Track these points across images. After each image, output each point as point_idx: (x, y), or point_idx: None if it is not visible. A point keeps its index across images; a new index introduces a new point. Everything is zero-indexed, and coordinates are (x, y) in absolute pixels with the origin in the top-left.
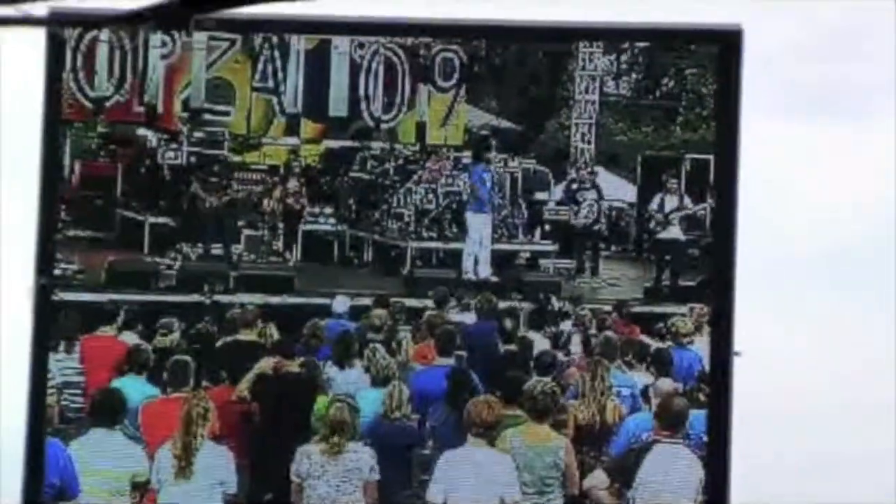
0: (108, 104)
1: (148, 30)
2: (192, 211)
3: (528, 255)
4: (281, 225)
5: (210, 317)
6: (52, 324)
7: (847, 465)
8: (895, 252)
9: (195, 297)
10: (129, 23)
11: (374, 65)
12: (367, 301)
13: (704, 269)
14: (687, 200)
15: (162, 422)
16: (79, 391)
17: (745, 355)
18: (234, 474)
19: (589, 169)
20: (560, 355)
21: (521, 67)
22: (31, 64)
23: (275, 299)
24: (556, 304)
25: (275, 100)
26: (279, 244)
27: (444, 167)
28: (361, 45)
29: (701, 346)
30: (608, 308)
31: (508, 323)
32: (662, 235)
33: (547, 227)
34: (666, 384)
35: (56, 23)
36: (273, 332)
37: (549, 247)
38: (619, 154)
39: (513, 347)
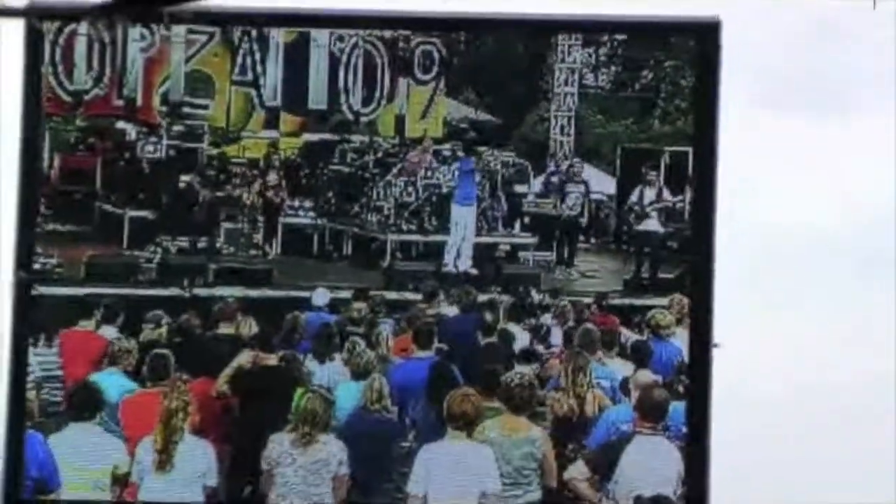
0: (87, 98)
1: (125, 22)
2: (178, 204)
3: (507, 247)
4: (260, 218)
5: (191, 310)
6: (32, 318)
7: (828, 455)
8: (876, 242)
9: (175, 291)
10: (106, 15)
11: (353, 58)
12: (346, 294)
13: (684, 261)
14: (666, 193)
15: (142, 415)
16: (59, 385)
17: (723, 347)
18: (214, 467)
19: (569, 162)
20: (541, 348)
21: (500, 60)
22: (9, 58)
23: (254, 292)
24: (535, 296)
25: (254, 93)
26: (259, 237)
27: (423, 160)
28: (341, 39)
29: (681, 337)
30: (588, 300)
31: (489, 316)
32: (641, 228)
33: (526, 220)
34: (645, 376)
35: (34, 15)
36: (252, 325)
37: (529, 239)
38: (598, 146)
39: (493, 340)
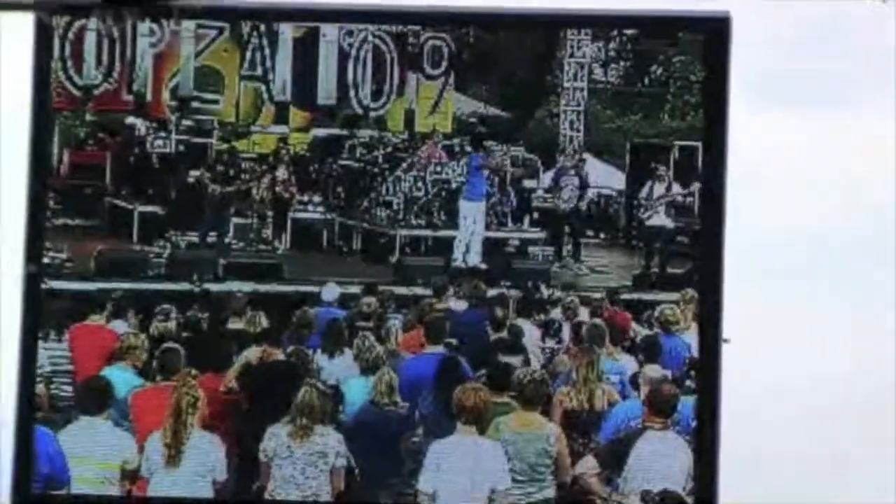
0: (96, 93)
1: (133, 16)
2: (186, 199)
3: (517, 242)
4: (270, 213)
5: (199, 305)
6: (42, 312)
7: (837, 452)
8: (882, 240)
9: (184, 286)
10: (114, 9)
11: (362, 53)
12: (356, 289)
13: (693, 256)
14: (676, 187)
15: (152, 410)
16: (68, 380)
17: (733, 342)
18: (223, 462)
19: (578, 157)
20: (550, 342)
21: (509, 55)
22: (19, 53)
23: (264, 287)
24: (545, 291)
25: (263, 88)
26: (268, 232)
27: (433, 154)
28: (350, 33)
29: (691, 332)
30: (597, 295)
31: (499, 311)
32: (650, 223)
33: (536, 215)
34: (654, 371)
35: (42, 9)
36: (262, 320)
37: (538, 234)
38: (607, 141)
39: (503, 335)
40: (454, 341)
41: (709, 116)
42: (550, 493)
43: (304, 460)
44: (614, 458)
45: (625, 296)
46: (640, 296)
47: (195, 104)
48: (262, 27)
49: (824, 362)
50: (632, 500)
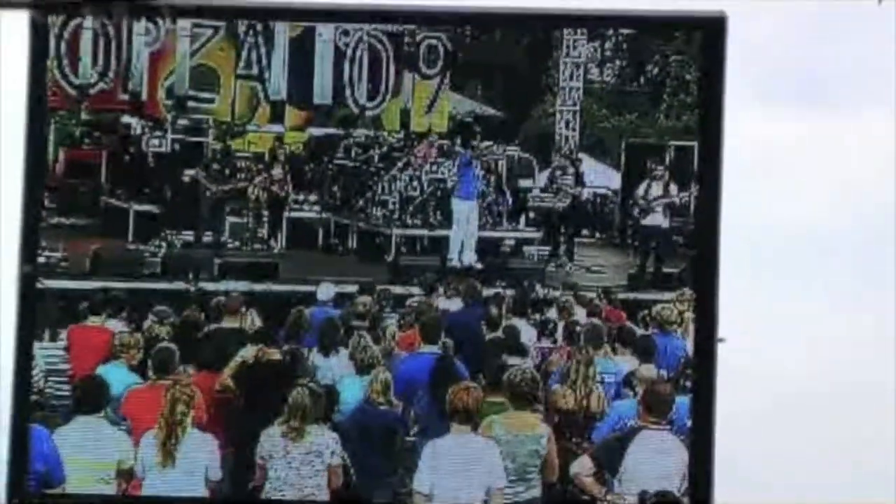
0: (92, 91)
1: (122, 13)
2: (181, 198)
3: (512, 242)
4: (265, 212)
5: (195, 304)
6: (37, 312)
7: (832, 450)
8: (881, 238)
9: (180, 285)
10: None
11: (358, 52)
12: (351, 288)
13: (689, 256)
14: (672, 187)
15: (147, 409)
16: (64, 379)
17: (728, 342)
18: (217, 461)
19: (561, 154)
20: (546, 342)
21: (505, 55)
22: (14, 52)
23: (259, 286)
24: (540, 291)
25: (259, 87)
26: (264, 231)
27: (429, 154)
28: (346, 33)
29: (689, 332)
30: (592, 295)
31: (493, 310)
32: (646, 222)
33: (531, 215)
34: (650, 371)
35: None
36: (256, 319)
37: (534, 234)
38: (603, 141)
39: (497, 335)
40: (449, 341)
41: (704, 116)
42: (537, 492)
43: (299, 460)
44: (609, 458)
45: (620, 295)
46: (635, 295)
47: (191, 103)
48: (258, 26)
49: (820, 361)
50: (627, 501)
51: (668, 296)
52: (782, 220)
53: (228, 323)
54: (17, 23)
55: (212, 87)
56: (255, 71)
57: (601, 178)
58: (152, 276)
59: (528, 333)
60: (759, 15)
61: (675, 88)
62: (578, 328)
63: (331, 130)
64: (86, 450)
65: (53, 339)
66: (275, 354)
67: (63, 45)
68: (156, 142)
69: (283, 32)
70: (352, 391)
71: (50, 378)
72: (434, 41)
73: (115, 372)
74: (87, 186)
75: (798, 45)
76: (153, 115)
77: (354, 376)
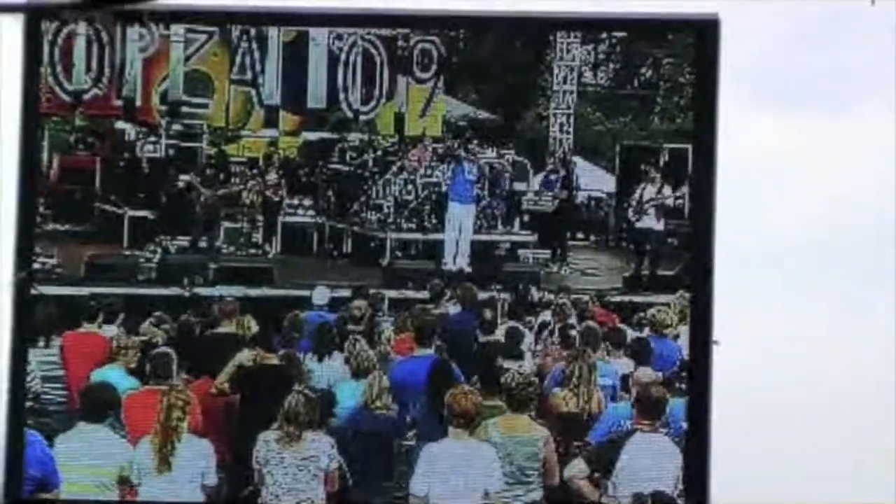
0: (86, 97)
1: (109, 18)
2: (176, 203)
3: (507, 245)
4: (260, 217)
5: (191, 309)
6: (32, 318)
7: (826, 452)
8: (874, 241)
9: (175, 290)
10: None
11: (352, 56)
12: (346, 292)
13: (683, 258)
14: (666, 190)
15: (144, 413)
16: (59, 385)
17: (723, 344)
18: (213, 466)
19: (554, 158)
20: (542, 345)
21: (499, 58)
22: (8, 57)
23: (254, 291)
24: (535, 294)
25: (253, 92)
26: (258, 236)
27: (423, 158)
28: (340, 37)
29: (682, 334)
30: (586, 298)
31: (488, 313)
32: (640, 225)
33: (526, 218)
34: (645, 373)
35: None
36: (252, 324)
37: (528, 237)
38: (597, 144)
39: (493, 338)
40: (443, 344)
41: (698, 118)
42: (537, 495)
43: (296, 465)
44: (604, 460)
45: (615, 298)
46: (630, 298)
47: (185, 108)
48: (252, 31)
49: (815, 363)
50: (622, 503)
51: (663, 298)
52: (777, 223)
53: (224, 328)
54: (11, 28)
55: (206, 92)
56: (248, 76)
57: (595, 181)
58: (147, 281)
59: (524, 337)
60: (753, 17)
61: (669, 91)
62: (574, 332)
63: (325, 135)
64: (88, 457)
65: (48, 345)
66: (271, 359)
67: (57, 52)
68: (150, 147)
69: (276, 37)
70: (348, 395)
71: (45, 384)
72: (428, 45)
73: (113, 374)
74: (81, 192)
75: (792, 46)
76: (147, 120)
77: (350, 380)
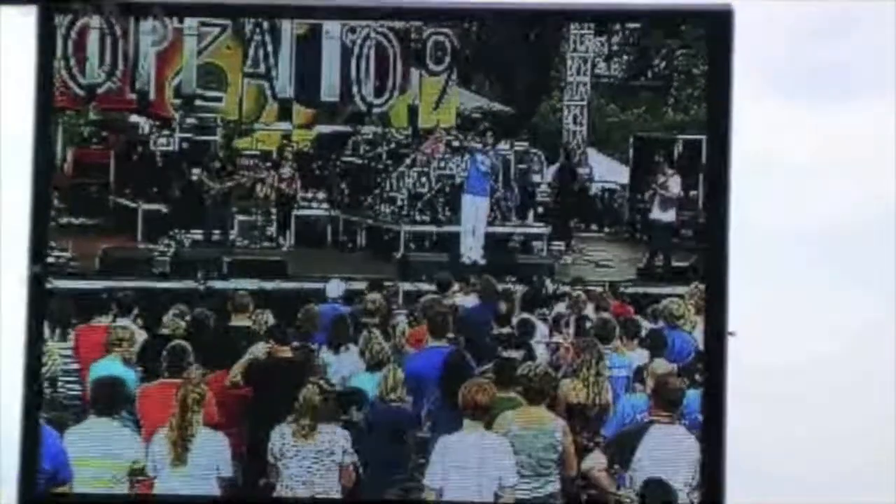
0: (99, 91)
1: (116, 10)
2: (190, 197)
3: (521, 237)
4: (274, 210)
5: (205, 303)
6: (46, 312)
7: (840, 443)
8: (886, 231)
9: (189, 284)
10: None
11: (365, 49)
12: (360, 285)
13: (698, 249)
14: (680, 181)
15: (158, 407)
16: (74, 379)
17: (738, 335)
18: (229, 459)
19: (563, 149)
20: (558, 337)
21: (512, 50)
22: (22, 52)
23: (269, 284)
24: (549, 286)
25: (266, 85)
26: (272, 229)
27: (437, 150)
28: (353, 30)
29: (698, 325)
30: (600, 289)
31: (503, 306)
32: (654, 216)
33: (540, 210)
34: (661, 365)
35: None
36: (268, 317)
37: (542, 229)
38: (610, 135)
39: (508, 330)
40: (458, 336)
41: (712, 109)
42: (556, 487)
43: (311, 458)
44: (622, 452)
45: (629, 290)
46: (644, 289)
47: (198, 102)
48: (265, 24)
49: (831, 354)
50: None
51: (678, 290)
52: (793, 214)
53: (238, 321)
54: (24, 22)
55: (219, 85)
56: (262, 69)
57: (609, 172)
58: (161, 275)
59: (539, 329)
60: (767, 6)
61: (683, 82)
62: (589, 323)
63: (338, 128)
64: (100, 451)
65: (63, 338)
66: (286, 352)
67: (70, 45)
68: (164, 141)
69: (289, 30)
70: (363, 388)
71: (60, 378)
72: (441, 37)
73: (110, 366)
74: (95, 186)
75: (806, 35)
76: (161, 114)
77: (365, 373)
